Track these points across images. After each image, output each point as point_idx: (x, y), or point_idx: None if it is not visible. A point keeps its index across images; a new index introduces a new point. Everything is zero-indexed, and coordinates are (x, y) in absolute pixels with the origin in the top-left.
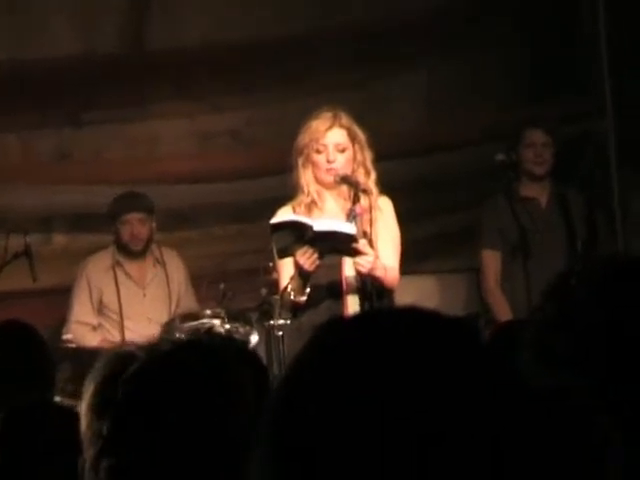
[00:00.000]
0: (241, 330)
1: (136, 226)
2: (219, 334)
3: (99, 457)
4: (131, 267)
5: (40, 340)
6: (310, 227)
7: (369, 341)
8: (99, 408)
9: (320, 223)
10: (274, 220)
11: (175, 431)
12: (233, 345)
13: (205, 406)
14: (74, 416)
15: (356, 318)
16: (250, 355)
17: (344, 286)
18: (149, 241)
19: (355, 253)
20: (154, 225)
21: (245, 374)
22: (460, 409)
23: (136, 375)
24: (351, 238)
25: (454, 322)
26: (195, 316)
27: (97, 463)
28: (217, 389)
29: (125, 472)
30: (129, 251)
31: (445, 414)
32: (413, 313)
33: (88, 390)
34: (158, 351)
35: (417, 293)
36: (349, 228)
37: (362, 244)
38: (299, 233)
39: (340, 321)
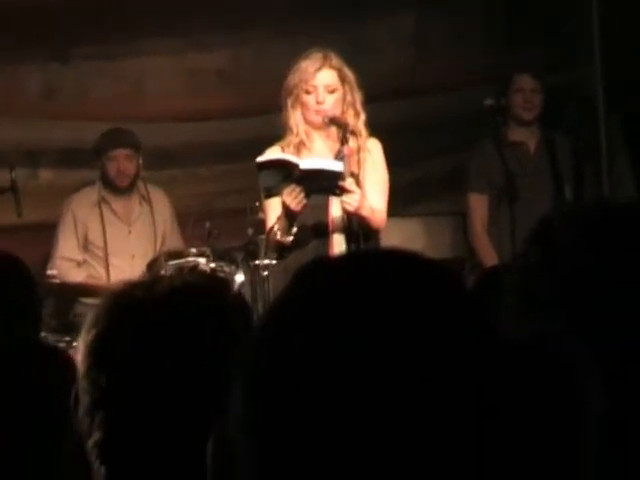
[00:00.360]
0: (226, 269)
1: (122, 162)
2: (205, 272)
3: (95, 407)
4: (117, 204)
5: (28, 275)
6: (297, 165)
7: (353, 282)
8: (100, 357)
9: (307, 162)
10: (260, 158)
11: (175, 383)
12: (229, 288)
13: (207, 355)
14: (62, 358)
15: (341, 258)
16: (239, 298)
17: (330, 226)
18: (135, 178)
19: (342, 192)
20: (140, 162)
21: (240, 319)
22: (443, 354)
23: (144, 327)
24: (338, 176)
25: (438, 266)
26: (180, 254)
27: (92, 412)
28: (218, 337)
29: (123, 426)
30: (115, 187)
31: (428, 359)
32: (398, 255)
33: (89, 333)
34: (159, 295)
35: (403, 236)
36: (336, 166)
37: (349, 182)
38: (286, 172)
39: (325, 261)
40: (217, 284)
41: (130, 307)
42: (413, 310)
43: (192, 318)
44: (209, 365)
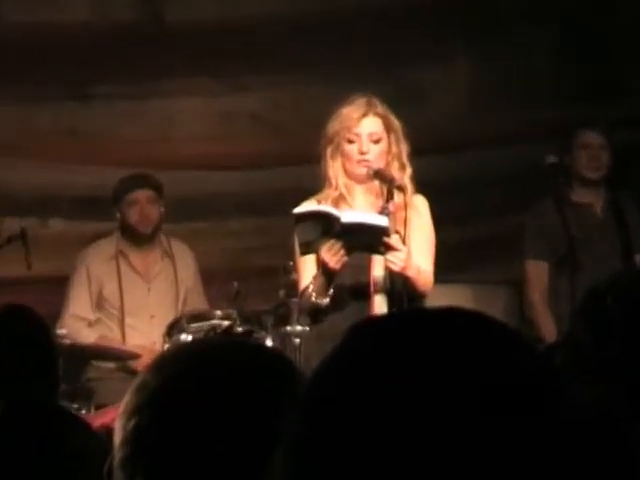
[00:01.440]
0: (254, 335)
1: (145, 206)
2: (242, 335)
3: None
4: (136, 258)
5: (48, 334)
6: (338, 219)
7: (408, 345)
8: (141, 449)
9: (349, 215)
10: (298, 210)
11: (221, 467)
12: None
13: (253, 431)
14: (74, 420)
15: (392, 318)
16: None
17: (372, 287)
18: (158, 226)
19: (386, 249)
20: (163, 210)
21: (287, 383)
22: (512, 428)
23: (191, 421)
24: (383, 232)
25: (505, 326)
26: (204, 316)
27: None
28: (266, 414)
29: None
30: (136, 236)
31: (494, 431)
32: (458, 314)
33: (129, 420)
34: (207, 354)
35: (449, 304)
36: (381, 221)
37: (394, 239)
38: (325, 226)
39: (378, 320)
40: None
41: (178, 395)
42: (476, 377)
43: (241, 398)
44: (254, 442)
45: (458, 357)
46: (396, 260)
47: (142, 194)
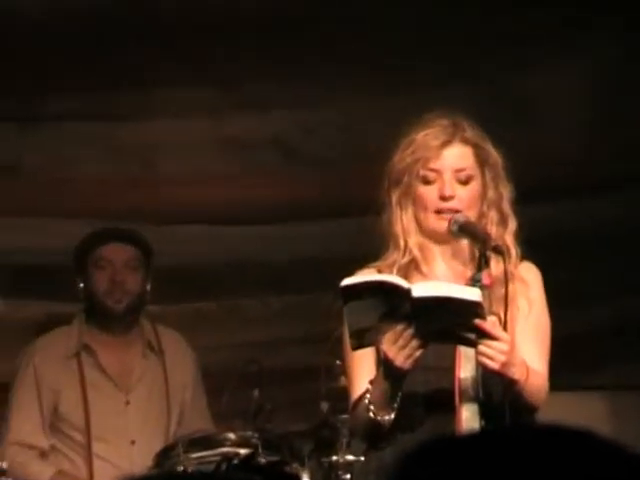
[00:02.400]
0: (284, 468)
1: (119, 269)
2: (267, 468)
3: None
4: (107, 355)
5: None
6: (407, 292)
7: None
8: None
9: (423, 286)
10: (348, 281)
11: None
12: None
13: None
14: None
15: (473, 437)
16: None
17: (457, 396)
18: (138, 306)
19: (479, 337)
20: (148, 286)
21: None
22: None
23: None
24: (474, 311)
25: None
26: (210, 441)
27: None
28: None
29: None
30: (107, 319)
31: None
32: (562, 436)
33: None
34: None
35: (573, 419)
36: (471, 294)
37: (491, 323)
38: (388, 305)
39: (446, 441)
40: None
41: None
42: None
43: None
44: None
45: None
46: (494, 354)
47: (116, 251)
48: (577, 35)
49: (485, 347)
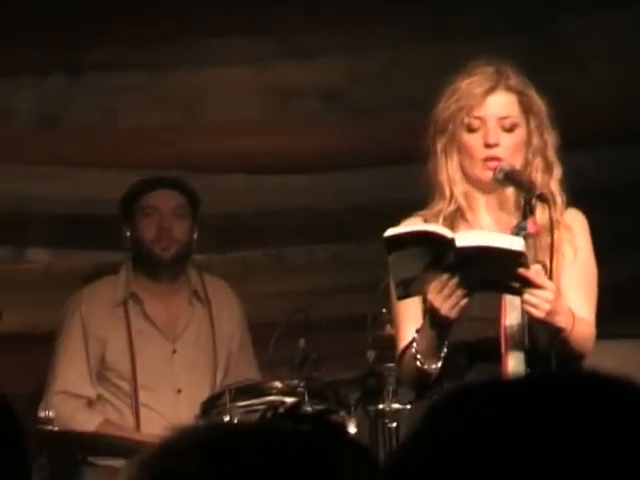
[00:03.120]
0: (331, 417)
1: (167, 216)
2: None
3: None
4: (154, 304)
5: (15, 419)
6: (451, 243)
7: (525, 425)
8: None
9: (468, 236)
10: (392, 231)
11: None
12: (345, 441)
13: None
14: None
15: (507, 385)
16: (366, 454)
17: (504, 344)
18: (185, 255)
19: (524, 286)
20: (195, 234)
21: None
22: None
23: None
24: (518, 260)
25: None
26: (257, 390)
27: None
28: None
29: None
30: (154, 267)
31: None
32: (601, 384)
33: None
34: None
35: (620, 366)
36: (515, 243)
37: (535, 271)
38: (434, 254)
39: (473, 390)
40: (333, 439)
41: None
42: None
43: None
44: None
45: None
46: (539, 302)
47: (163, 198)
48: None
49: (530, 295)
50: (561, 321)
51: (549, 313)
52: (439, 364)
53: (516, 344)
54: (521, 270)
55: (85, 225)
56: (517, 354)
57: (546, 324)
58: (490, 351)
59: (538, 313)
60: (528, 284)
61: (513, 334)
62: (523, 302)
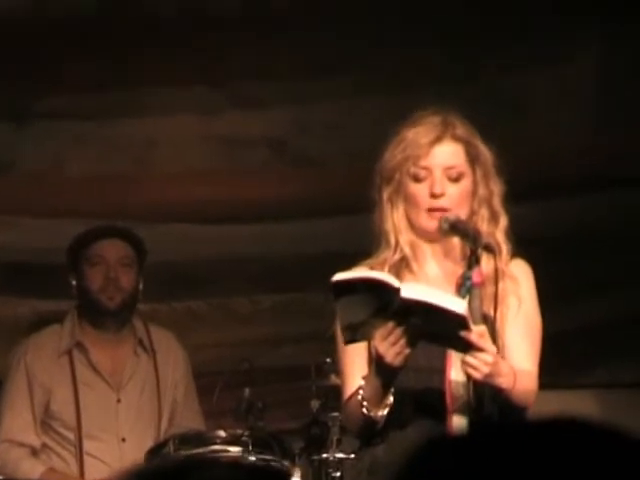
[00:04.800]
0: (275, 465)
1: (113, 266)
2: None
3: None
4: (99, 353)
5: None
6: (396, 291)
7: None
8: None
9: (412, 288)
10: (340, 276)
11: None
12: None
13: None
14: None
15: (471, 436)
16: None
17: (448, 399)
18: (130, 304)
19: (465, 347)
20: (141, 284)
21: None
22: None
23: None
24: (459, 323)
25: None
26: (201, 439)
27: None
28: None
29: None
30: (100, 317)
31: None
32: (563, 428)
33: None
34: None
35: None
36: (456, 306)
37: (477, 334)
38: (380, 300)
39: (447, 442)
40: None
41: None
42: None
43: None
44: None
45: None
46: (478, 364)
47: (110, 248)
48: (577, 33)
49: (470, 358)
50: (502, 383)
51: (488, 375)
52: (385, 411)
53: (461, 403)
54: (462, 333)
55: (26, 273)
56: (461, 417)
57: (489, 384)
58: (435, 405)
59: (477, 375)
60: (470, 347)
61: (458, 391)
62: (463, 362)
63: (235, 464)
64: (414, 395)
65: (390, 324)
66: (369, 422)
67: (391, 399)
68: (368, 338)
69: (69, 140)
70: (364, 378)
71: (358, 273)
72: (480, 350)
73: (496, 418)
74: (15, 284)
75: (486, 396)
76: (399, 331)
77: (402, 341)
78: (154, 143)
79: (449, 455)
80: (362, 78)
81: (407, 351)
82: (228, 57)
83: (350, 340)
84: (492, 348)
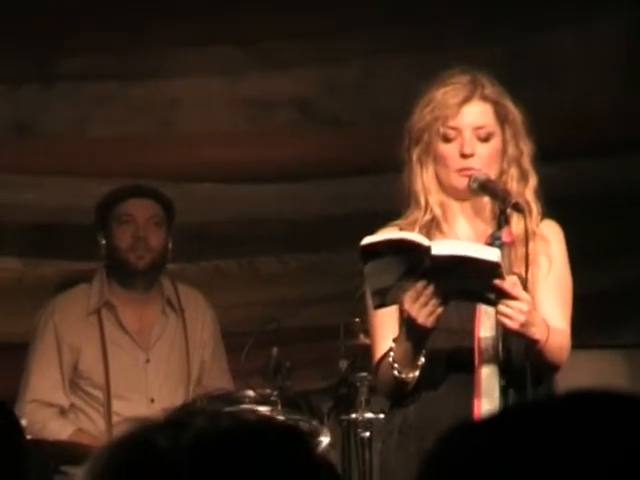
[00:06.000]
0: (303, 425)
1: (142, 225)
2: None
3: None
4: (128, 312)
5: (13, 419)
6: (427, 249)
7: (524, 461)
8: None
9: (443, 245)
10: (368, 239)
11: None
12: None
13: None
14: None
15: (495, 421)
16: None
17: (477, 355)
18: (159, 264)
19: (498, 297)
20: (170, 243)
21: None
22: None
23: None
24: (492, 271)
25: None
26: (229, 398)
27: None
28: None
29: None
30: (128, 275)
31: None
32: (585, 406)
33: None
34: (194, 447)
35: (594, 377)
36: (490, 254)
37: (511, 282)
38: (409, 262)
39: (473, 428)
40: (290, 436)
41: (149, 468)
42: None
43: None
44: None
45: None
46: (513, 313)
47: (139, 207)
48: None
49: (504, 307)
50: (536, 333)
51: (523, 325)
52: (416, 373)
53: (490, 355)
54: (496, 281)
55: (56, 234)
56: (490, 367)
57: (521, 336)
58: (465, 362)
59: (512, 324)
60: (503, 295)
61: (487, 345)
62: (497, 313)
63: (239, 418)
64: (445, 355)
65: (420, 285)
66: (400, 384)
67: (423, 360)
68: (398, 302)
69: (94, 101)
70: (395, 340)
71: (386, 235)
72: (514, 299)
73: (527, 374)
74: (41, 245)
75: (514, 348)
76: (429, 291)
77: (433, 301)
78: (178, 104)
79: (478, 440)
80: (389, 37)
81: (439, 310)
82: (253, 17)
83: (379, 305)
84: (526, 296)
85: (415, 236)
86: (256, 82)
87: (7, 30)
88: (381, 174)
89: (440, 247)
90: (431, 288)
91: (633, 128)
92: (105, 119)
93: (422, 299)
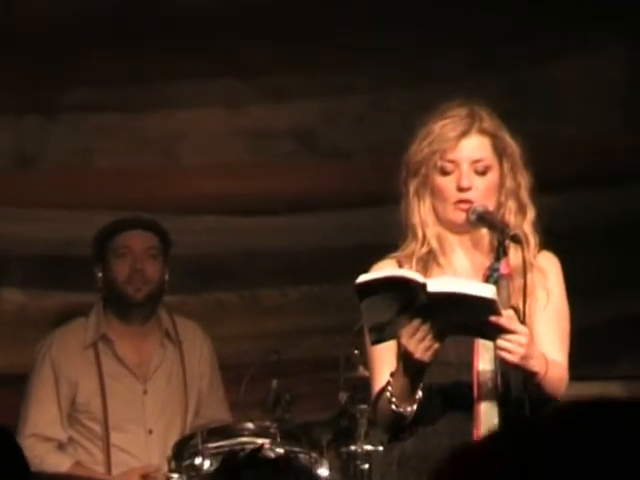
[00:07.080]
0: (302, 457)
1: (139, 256)
2: (281, 459)
3: None
4: (125, 345)
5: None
6: (423, 287)
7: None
8: None
9: (439, 282)
10: (364, 277)
11: None
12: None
13: None
14: None
15: (492, 444)
16: None
17: (476, 389)
18: (157, 296)
19: (496, 332)
20: (167, 275)
21: None
22: None
23: None
24: (490, 307)
25: None
26: (228, 431)
27: None
28: None
29: None
30: (126, 308)
31: None
32: (600, 417)
33: None
34: None
35: None
36: (485, 290)
37: (508, 317)
38: (405, 299)
39: (466, 452)
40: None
41: None
42: None
43: None
44: None
45: None
46: (513, 347)
47: (136, 239)
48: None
49: (503, 341)
50: (535, 365)
51: (523, 358)
52: (414, 407)
53: (488, 389)
54: (492, 318)
55: (59, 266)
56: (489, 401)
57: (520, 369)
58: (464, 396)
59: (512, 358)
60: (502, 330)
61: (486, 379)
62: (496, 348)
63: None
64: (443, 389)
65: (417, 320)
66: (398, 417)
67: (420, 394)
68: (395, 337)
69: (97, 133)
70: (392, 375)
71: (382, 273)
72: (512, 333)
73: (525, 406)
74: (43, 276)
75: (513, 381)
76: (426, 327)
77: (430, 336)
78: (181, 136)
79: (475, 464)
80: (389, 70)
81: (436, 346)
82: (254, 50)
83: (377, 340)
84: (524, 329)
85: (410, 273)
86: (257, 114)
87: (10, 61)
88: (382, 206)
89: (436, 284)
90: (428, 324)
91: (633, 159)
92: (107, 151)
93: (419, 334)
